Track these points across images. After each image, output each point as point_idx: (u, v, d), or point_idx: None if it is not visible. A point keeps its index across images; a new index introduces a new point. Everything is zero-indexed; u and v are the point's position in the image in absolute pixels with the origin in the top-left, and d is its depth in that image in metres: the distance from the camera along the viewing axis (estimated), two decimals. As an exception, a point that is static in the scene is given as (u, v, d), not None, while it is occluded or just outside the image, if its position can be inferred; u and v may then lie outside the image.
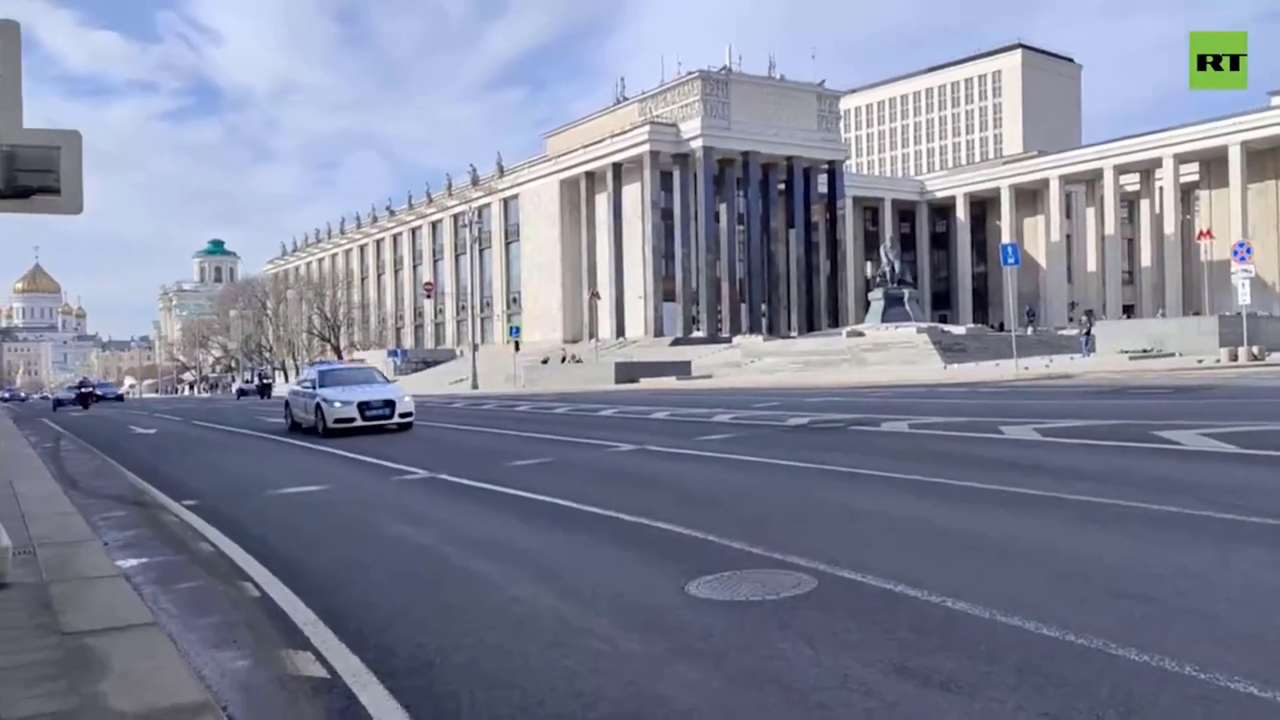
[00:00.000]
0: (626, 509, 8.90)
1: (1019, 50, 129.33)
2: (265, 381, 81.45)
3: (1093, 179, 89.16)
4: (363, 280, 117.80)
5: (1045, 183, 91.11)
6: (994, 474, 9.93)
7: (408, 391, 23.20)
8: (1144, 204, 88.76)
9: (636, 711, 4.05)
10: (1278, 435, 12.09)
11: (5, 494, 10.05)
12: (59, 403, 62.25)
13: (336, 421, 20.17)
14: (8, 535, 6.23)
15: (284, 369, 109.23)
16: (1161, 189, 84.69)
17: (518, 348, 61.18)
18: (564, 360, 64.39)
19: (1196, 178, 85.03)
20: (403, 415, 21.08)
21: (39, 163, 5.97)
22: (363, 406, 20.61)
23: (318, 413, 20.70)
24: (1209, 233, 48.37)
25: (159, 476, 14.16)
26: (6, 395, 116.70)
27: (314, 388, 21.77)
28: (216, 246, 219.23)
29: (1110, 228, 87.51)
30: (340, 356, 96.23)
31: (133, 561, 7.64)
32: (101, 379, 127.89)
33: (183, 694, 4.08)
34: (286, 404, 23.89)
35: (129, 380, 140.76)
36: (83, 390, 62.02)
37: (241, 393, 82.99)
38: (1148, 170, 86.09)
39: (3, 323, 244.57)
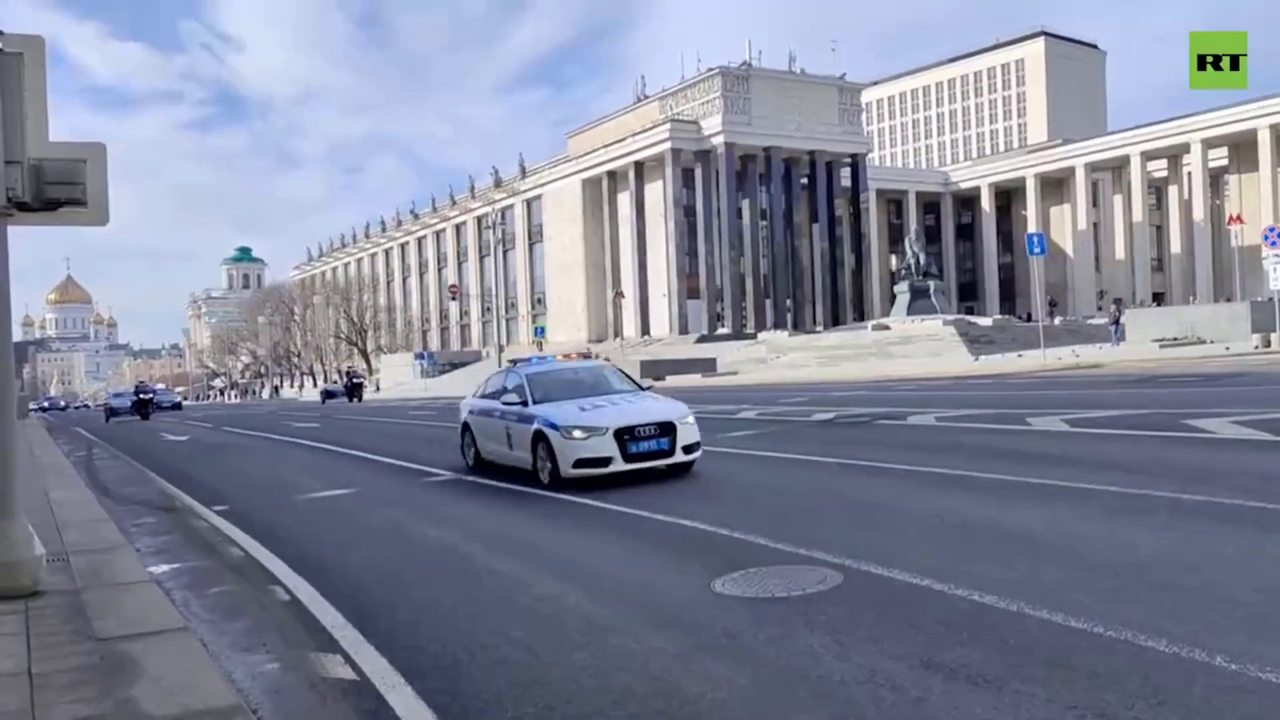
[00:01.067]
0: (652, 507, 8.90)
1: (1042, 38, 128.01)
2: (356, 380, 66.47)
3: (1119, 166, 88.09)
4: (388, 284, 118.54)
5: (1071, 171, 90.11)
6: (1021, 466, 9.85)
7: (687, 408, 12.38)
8: (1172, 190, 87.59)
9: (664, 708, 4.06)
10: (1312, 422, 11.91)
11: (39, 502, 10.21)
12: (113, 412, 49.32)
13: (579, 464, 10.87)
14: (41, 544, 6.33)
15: (312, 374, 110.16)
16: (1190, 174, 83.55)
17: (541, 349, 61.31)
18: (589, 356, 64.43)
19: (1225, 162, 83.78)
20: (687, 449, 11.59)
21: (65, 175, 6.07)
22: (624, 436, 11.05)
23: (538, 447, 11.36)
24: (1239, 218, 47.66)
25: (191, 482, 14.33)
26: (45, 405, 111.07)
27: (523, 403, 12.04)
28: (244, 254, 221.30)
29: (1138, 215, 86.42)
30: (368, 361, 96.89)
31: (164, 567, 7.74)
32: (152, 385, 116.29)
33: (214, 697, 4.13)
34: (465, 428, 13.98)
35: (160, 386, 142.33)
36: (140, 396, 49.70)
37: (328, 395, 69.01)
38: (1175, 156, 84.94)
39: (36, 334, 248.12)
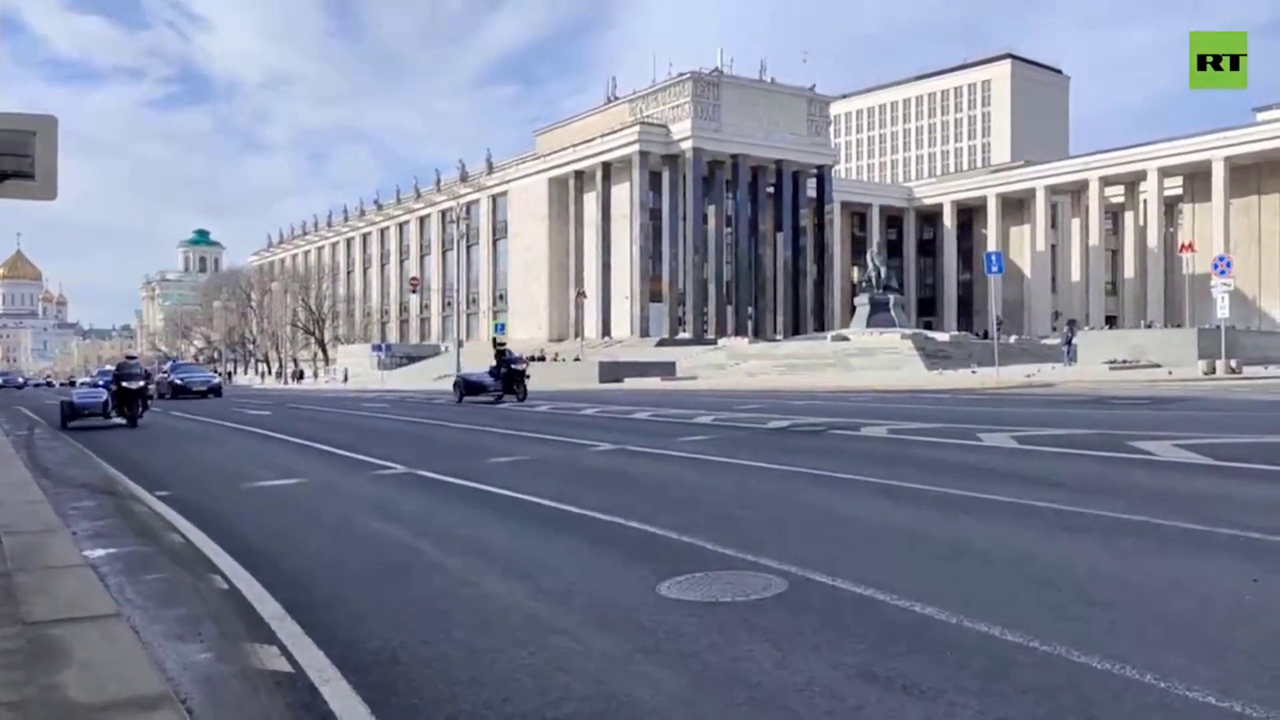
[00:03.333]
0: (602, 508, 8.88)
1: (1008, 60, 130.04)
2: (513, 363, 32.51)
3: (1078, 190, 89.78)
4: (349, 274, 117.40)
5: (1032, 192, 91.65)
6: (970, 480, 9.96)
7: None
8: (1128, 216, 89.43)
9: (602, 710, 4.04)
10: (1248, 447, 12.19)
11: (-24, 481, 9.95)
12: (73, 410, 23.85)
13: None
14: (-27, 522, 6.17)
15: (267, 361, 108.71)
16: (1146, 201, 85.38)
17: (494, 344, 61.11)
18: (545, 359, 64.25)
19: (1180, 191, 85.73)
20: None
21: (12, 147, 5.93)
22: None
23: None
24: (1191, 246, 48.84)
25: (134, 466, 14.05)
26: (1, 381, 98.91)
27: None
28: (202, 236, 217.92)
29: (1095, 238, 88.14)
30: (324, 351, 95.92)
31: (100, 552, 7.57)
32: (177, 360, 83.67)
33: (142, 686, 4.04)
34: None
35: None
36: (124, 383, 24.25)
37: (470, 386, 34.27)
38: (1132, 183, 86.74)
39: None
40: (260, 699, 4.33)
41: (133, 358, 25.91)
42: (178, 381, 43.96)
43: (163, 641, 5.14)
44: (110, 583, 6.35)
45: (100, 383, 30.07)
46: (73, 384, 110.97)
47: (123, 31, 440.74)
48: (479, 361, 63.48)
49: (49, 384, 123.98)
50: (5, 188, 6.05)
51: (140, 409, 24.05)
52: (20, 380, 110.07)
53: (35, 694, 3.89)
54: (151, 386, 29.11)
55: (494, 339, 34.32)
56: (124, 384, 23.69)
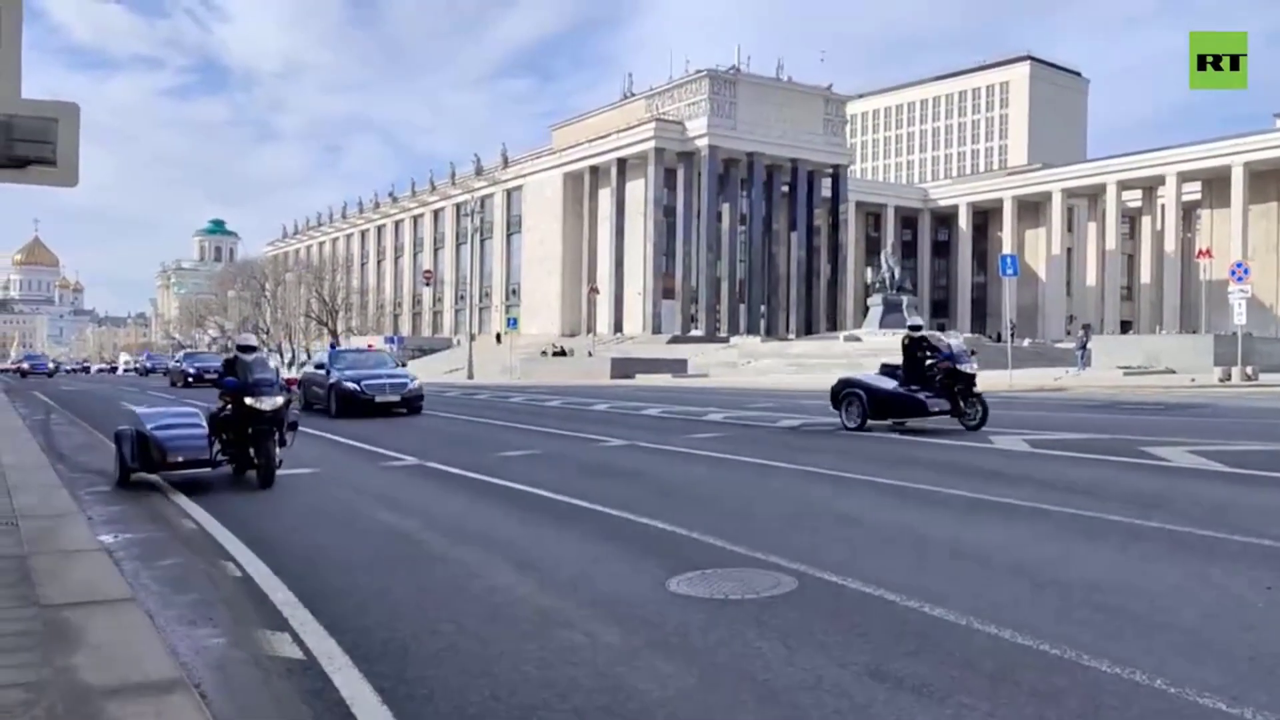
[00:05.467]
0: (612, 503, 8.90)
1: (1027, 62, 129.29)
2: None
3: (1095, 194, 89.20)
4: (363, 265, 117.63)
5: (1048, 195, 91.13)
6: (981, 483, 9.94)
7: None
8: (1146, 220, 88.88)
9: (609, 703, 4.05)
10: (1264, 455, 12.11)
11: (-8, 464, 10.04)
12: (146, 448, 10.69)
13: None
14: (-10, 505, 6.23)
15: (280, 351, 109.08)
16: (1163, 206, 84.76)
17: (499, 340, 61.29)
18: (558, 353, 64.34)
19: (1199, 196, 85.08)
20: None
21: (36, 133, 5.96)
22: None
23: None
24: (1209, 252, 48.36)
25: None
26: (25, 365, 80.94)
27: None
28: (217, 226, 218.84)
29: (1111, 243, 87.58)
30: (337, 341, 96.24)
31: (115, 537, 7.63)
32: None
33: (155, 670, 4.08)
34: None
35: (124, 356, 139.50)
36: (251, 389, 10.92)
37: None
38: (1150, 187, 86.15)
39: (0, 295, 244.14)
40: (272, 685, 4.37)
41: (252, 348, 11.70)
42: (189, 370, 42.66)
43: (176, 626, 5.19)
44: (124, 567, 6.41)
45: (192, 371, 42.06)
46: (113, 369, 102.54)
47: (141, 20, 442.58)
48: (491, 356, 63.39)
49: (84, 369, 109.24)
50: (28, 174, 6.09)
51: (278, 447, 11.00)
52: (50, 365, 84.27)
53: (50, 676, 3.93)
54: (295, 406, 13.02)
55: (908, 332, 16.91)
56: (249, 401, 10.85)
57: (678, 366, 52.64)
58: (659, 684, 4.28)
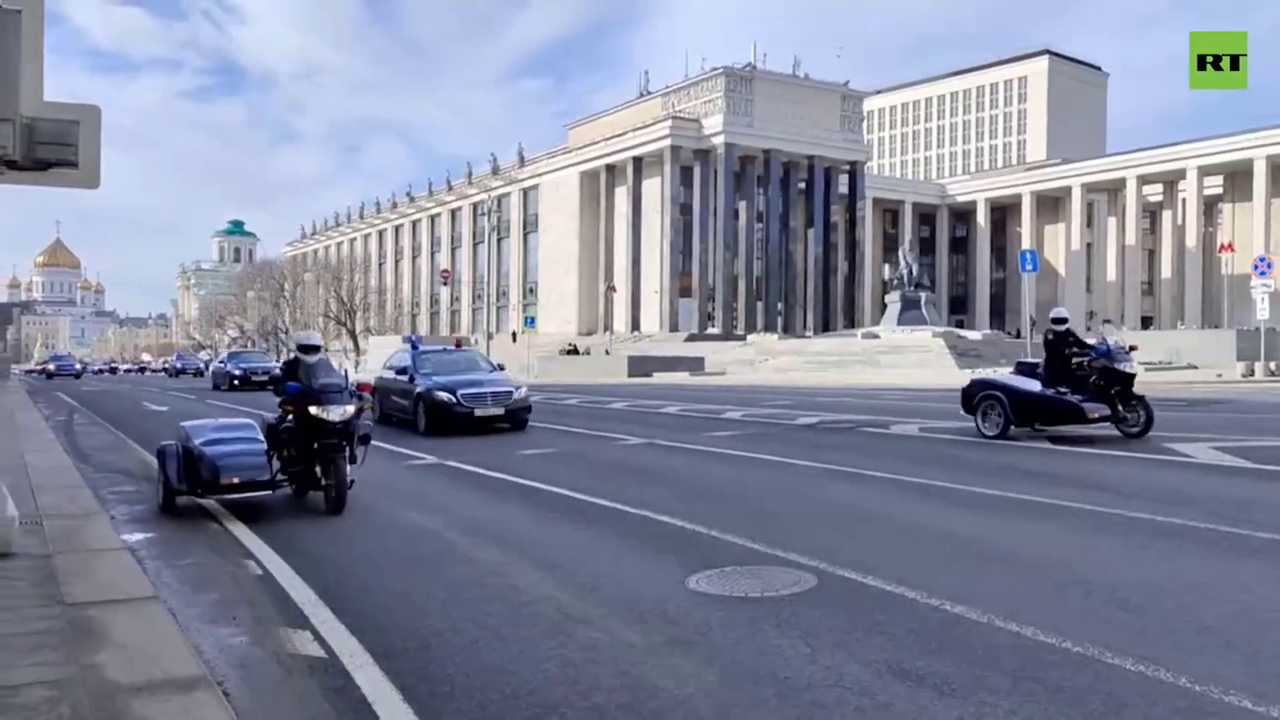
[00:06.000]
0: (631, 501, 8.91)
1: (1046, 56, 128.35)
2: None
3: (1115, 188, 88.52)
4: (380, 265, 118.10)
5: (1067, 190, 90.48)
6: (1002, 480, 9.88)
7: None
8: (1166, 215, 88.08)
9: (630, 701, 4.06)
10: (1291, 451, 11.98)
11: (15, 464, 10.14)
12: (197, 467, 8.91)
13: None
14: (14, 506, 6.29)
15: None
16: (1184, 201, 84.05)
17: (514, 339, 61.35)
18: (570, 352, 64.37)
19: (1220, 190, 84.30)
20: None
21: (58, 136, 6.01)
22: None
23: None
24: (1230, 246, 47.89)
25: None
26: (51, 367, 73.90)
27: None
28: (236, 227, 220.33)
29: (1131, 238, 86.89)
30: (356, 342, 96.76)
31: (138, 536, 7.70)
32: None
33: (179, 667, 4.12)
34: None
35: (146, 357, 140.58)
36: (316, 395, 9.17)
37: None
38: (1171, 181, 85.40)
39: (23, 296, 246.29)
40: (294, 683, 4.40)
41: (315, 347, 9.99)
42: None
43: (199, 625, 5.23)
44: (147, 566, 6.46)
45: (237, 372, 37.80)
46: (141, 369, 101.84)
47: (160, 22, 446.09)
48: (509, 355, 63.68)
49: (111, 369, 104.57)
50: (50, 176, 6.15)
51: (350, 464, 9.32)
52: (76, 366, 78.35)
53: (76, 674, 3.97)
54: (367, 417, 10.79)
55: (1050, 326, 15.16)
56: (314, 411, 9.18)
57: (695, 364, 52.59)
58: (679, 682, 4.27)
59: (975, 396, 14.97)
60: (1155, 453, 12.07)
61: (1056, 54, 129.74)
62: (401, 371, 18.60)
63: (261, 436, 9.40)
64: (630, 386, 39.06)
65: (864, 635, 4.84)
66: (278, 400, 9.42)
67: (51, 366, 74.02)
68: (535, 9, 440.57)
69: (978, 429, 14.55)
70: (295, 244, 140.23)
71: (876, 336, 56.20)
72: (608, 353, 61.96)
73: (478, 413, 16.75)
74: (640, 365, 50.72)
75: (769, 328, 75.90)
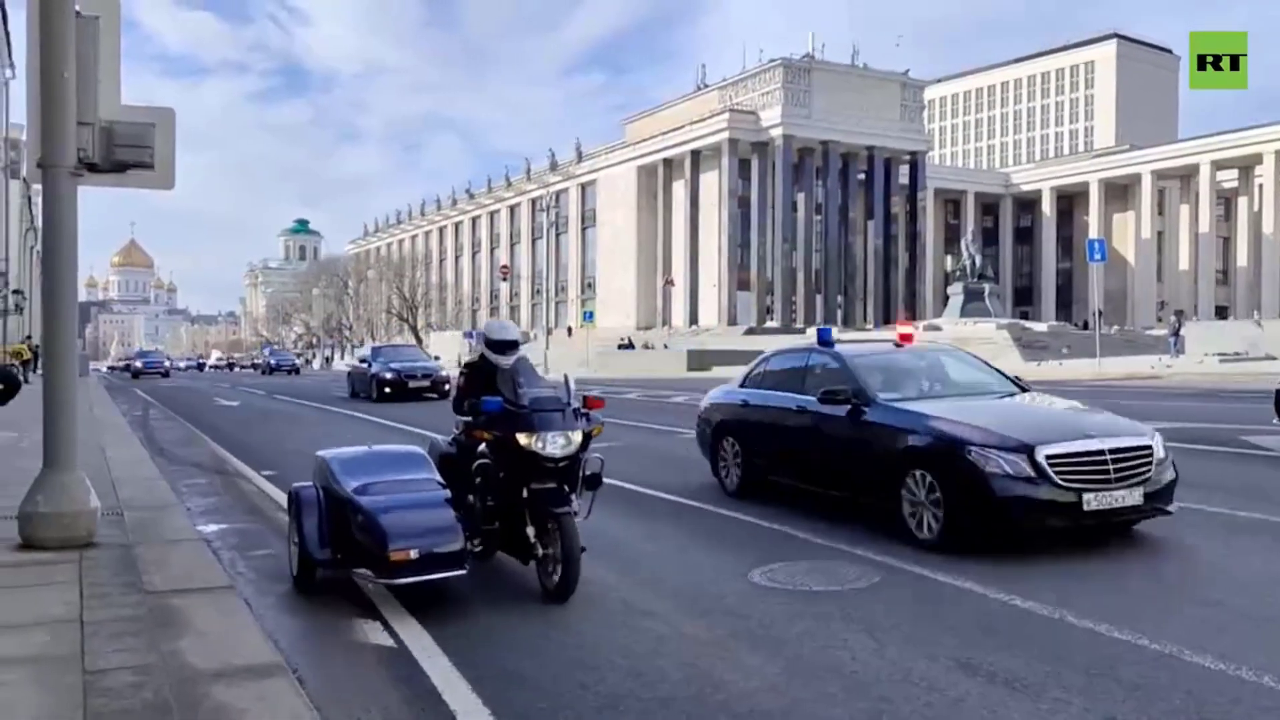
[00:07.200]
0: (692, 494, 8.91)
1: (1114, 40, 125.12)
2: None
3: (1188, 174, 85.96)
4: (441, 262, 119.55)
5: (1137, 178, 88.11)
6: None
7: None
8: (1242, 201, 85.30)
9: (696, 694, 4.06)
10: (1377, 445, 11.55)
11: (97, 458, 10.47)
12: (363, 531, 5.40)
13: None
14: (97, 497, 6.51)
15: (361, 346, 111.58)
16: (1261, 186, 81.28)
17: (570, 333, 61.69)
18: (631, 346, 64.47)
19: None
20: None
21: (135, 138, 6.20)
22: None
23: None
24: (1311, 232, 46.22)
25: (241, 446, 14.59)
26: (139, 363, 65.27)
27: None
28: (301, 226, 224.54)
29: (1205, 225, 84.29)
30: (418, 338, 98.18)
31: (213, 527, 7.90)
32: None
33: (255, 655, 4.22)
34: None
35: (215, 353, 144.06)
36: (525, 417, 5.76)
37: None
38: (1247, 166, 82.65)
39: (99, 295, 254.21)
40: (365, 671, 4.48)
41: (514, 343, 6.46)
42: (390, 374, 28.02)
43: (272, 614, 5.35)
44: (222, 557, 6.64)
45: (389, 375, 25.52)
46: (231, 366, 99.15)
47: (228, 26, 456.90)
48: (567, 349, 64.11)
49: (199, 366, 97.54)
50: (127, 178, 6.35)
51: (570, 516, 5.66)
52: (165, 363, 69.08)
53: (158, 660, 4.09)
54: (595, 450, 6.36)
55: None
56: (525, 441, 5.67)
57: (754, 358, 52.35)
58: (745, 675, 4.27)
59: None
60: (1233, 446, 11.72)
61: (1125, 37, 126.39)
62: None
63: (438, 475, 6.04)
64: (689, 380, 39.01)
65: (932, 630, 4.79)
66: (460, 421, 6.38)
67: (138, 363, 65.68)
68: (591, 5, 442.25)
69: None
70: (358, 241, 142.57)
71: (939, 329, 55.38)
72: (666, 347, 62.02)
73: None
74: (699, 359, 50.66)
75: (828, 320, 75.14)
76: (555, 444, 5.68)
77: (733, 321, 76.46)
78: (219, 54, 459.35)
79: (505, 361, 6.30)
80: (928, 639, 4.64)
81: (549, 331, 65.25)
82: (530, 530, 5.65)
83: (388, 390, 25.22)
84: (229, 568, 6.29)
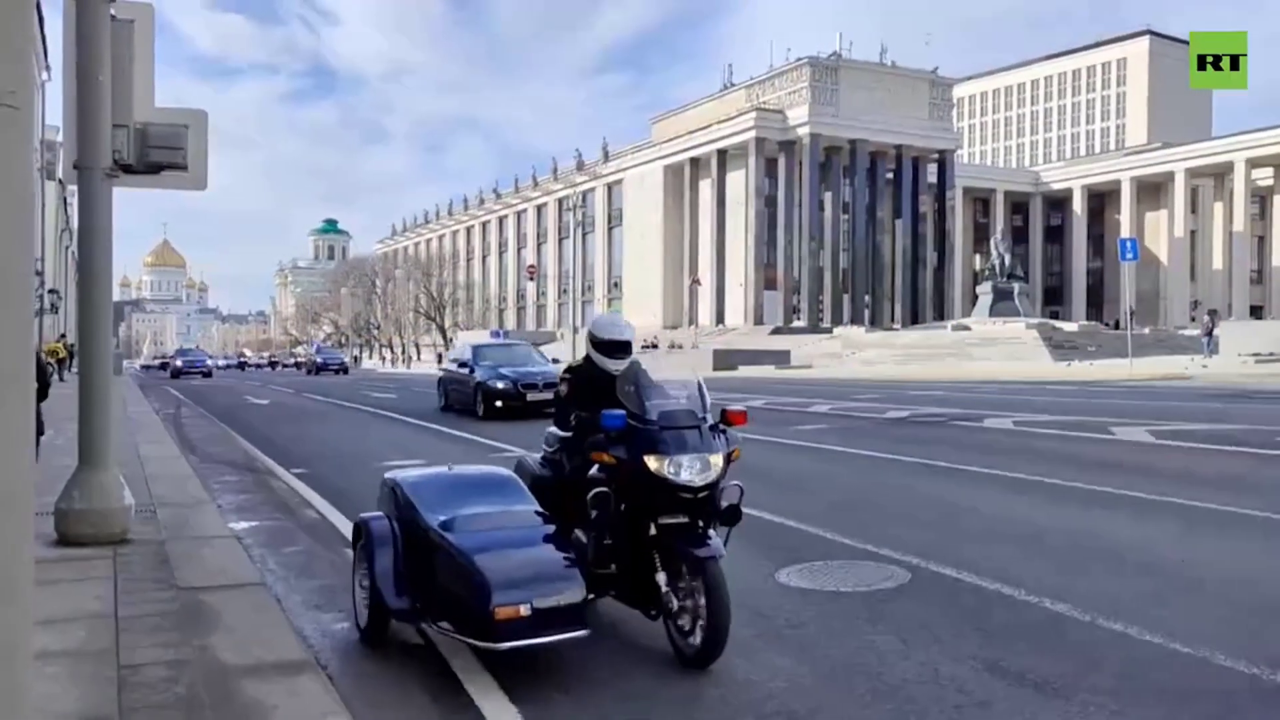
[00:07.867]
0: (719, 495, 8.87)
1: (1147, 37, 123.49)
2: None
3: (1222, 172, 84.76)
4: (468, 261, 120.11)
5: (1170, 176, 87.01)
6: (1102, 475, 9.58)
7: None
8: (1277, 199, 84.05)
9: (722, 694, 4.06)
10: None
11: (131, 456, 10.62)
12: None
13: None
14: (131, 494, 6.60)
15: (390, 346, 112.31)
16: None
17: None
18: (655, 347, 64.45)
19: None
20: None
21: (168, 140, 6.29)
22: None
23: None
24: (1349, 231, 45.46)
25: (271, 444, 14.74)
26: (180, 362, 59.43)
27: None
28: (330, 225, 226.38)
29: (1239, 224, 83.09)
30: (445, 337, 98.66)
31: (244, 524, 7.99)
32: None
33: (286, 651, 4.27)
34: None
35: (247, 352, 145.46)
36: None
37: None
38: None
39: (133, 294, 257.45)
40: (395, 668, 4.52)
41: (626, 345, 5.26)
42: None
43: (302, 611, 5.41)
44: (253, 553, 6.70)
45: (500, 385, 19.39)
46: (273, 364, 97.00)
47: (259, 28, 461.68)
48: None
49: (240, 365, 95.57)
50: (161, 179, 6.44)
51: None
52: (208, 362, 63.66)
53: (190, 654, 4.15)
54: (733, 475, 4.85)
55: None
56: (655, 467, 4.49)
57: (780, 358, 52.27)
58: (771, 674, 4.26)
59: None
60: (1267, 448, 11.55)
61: (1158, 34, 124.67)
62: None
63: (537, 504, 4.96)
64: (716, 380, 38.93)
65: (960, 631, 4.76)
66: (551, 436, 5.41)
67: (178, 362, 59.77)
68: (617, 4, 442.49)
69: None
70: (386, 241, 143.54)
71: (967, 328, 55.03)
72: (694, 346, 61.97)
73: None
74: (726, 358, 50.64)
75: (855, 320, 74.92)
76: (693, 469, 4.51)
77: (760, 321, 76.31)
78: (249, 56, 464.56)
79: (617, 367, 5.12)
80: (956, 640, 4.61)
81: (575, 331, 65.38)
82: (661, 577, 4.46)
83: (498, 404, 19.20)
84: (259, 564, 6.36)
